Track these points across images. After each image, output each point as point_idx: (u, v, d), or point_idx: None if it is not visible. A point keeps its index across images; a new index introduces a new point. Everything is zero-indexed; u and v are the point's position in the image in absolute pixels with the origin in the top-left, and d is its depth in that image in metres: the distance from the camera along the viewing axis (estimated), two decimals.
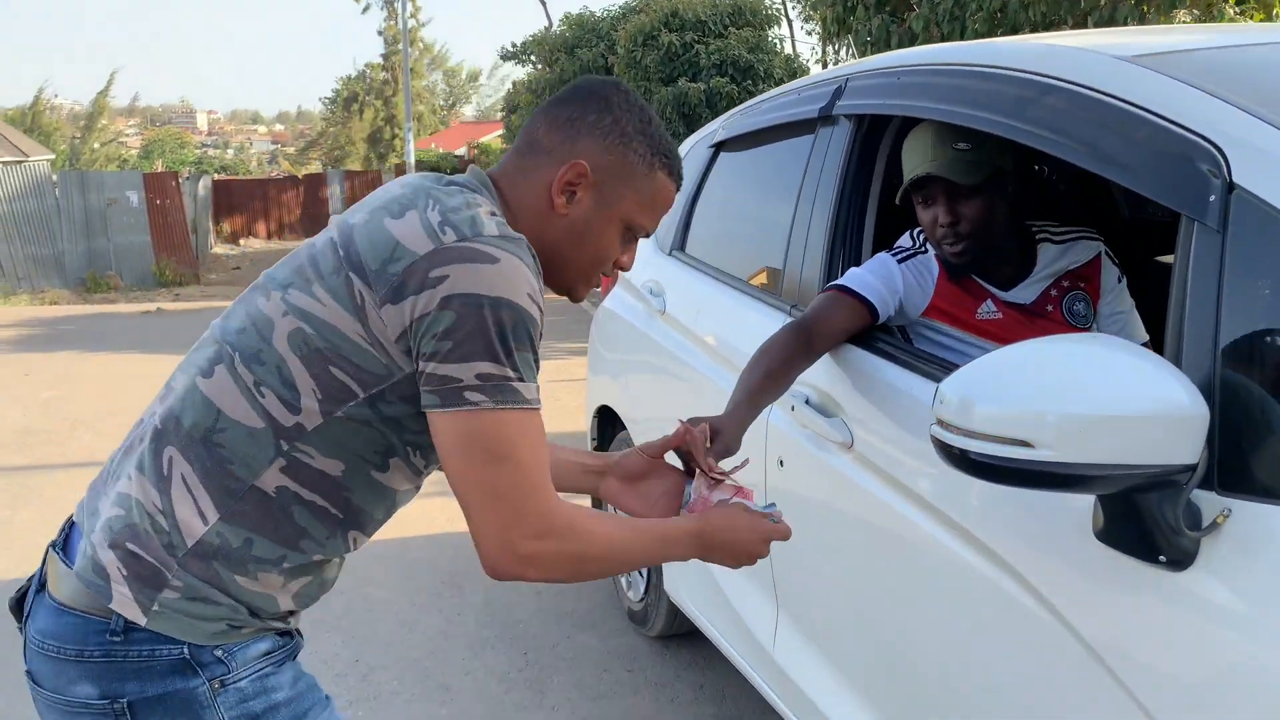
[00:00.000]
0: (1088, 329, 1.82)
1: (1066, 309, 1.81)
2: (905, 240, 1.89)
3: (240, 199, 22.47)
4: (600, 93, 1.23)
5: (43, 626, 1.14)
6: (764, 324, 2.02)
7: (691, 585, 2.56)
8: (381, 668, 2.95)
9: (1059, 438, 1.00)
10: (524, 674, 2.90)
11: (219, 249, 20.43)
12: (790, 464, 1.94)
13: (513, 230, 1.14)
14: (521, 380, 1.09)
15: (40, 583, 1.19)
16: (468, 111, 42.81)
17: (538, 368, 1.12)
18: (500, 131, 21.45)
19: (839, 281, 1.82)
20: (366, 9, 32.74)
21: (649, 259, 2.91)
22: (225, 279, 15.64)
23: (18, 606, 1.22)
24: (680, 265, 2.77)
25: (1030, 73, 1.50)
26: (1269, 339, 1.07)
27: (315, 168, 36.60)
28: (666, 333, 2.68)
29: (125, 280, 14.42)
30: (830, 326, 1.77)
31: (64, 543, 1.20)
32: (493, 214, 1.14)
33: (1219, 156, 1.15)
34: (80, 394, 6.90)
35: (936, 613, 1.51)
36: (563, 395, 6.01)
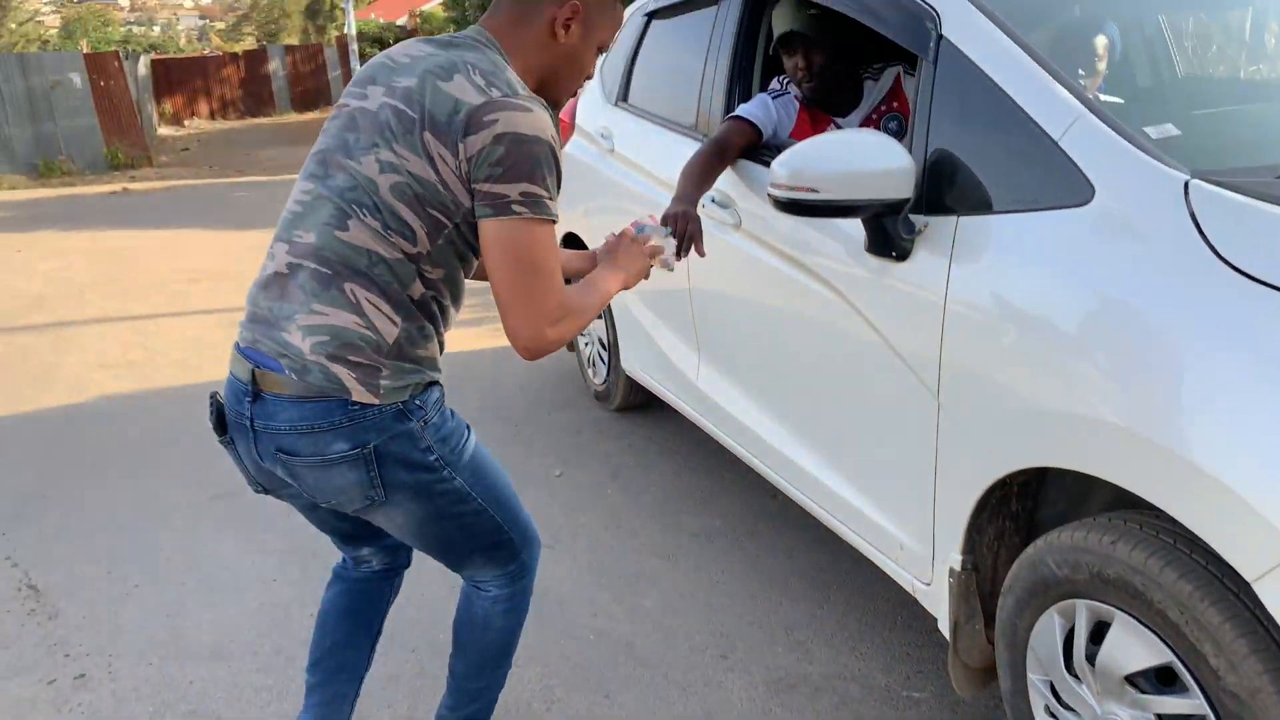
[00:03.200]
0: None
1: (884, 127, 2.60)
2: (775, 84, 2.65)
3: (180, 78, 22.15)
4: None
5: (292, 415, 1.49)
6: (688, 151, 2.80)
7: (641, 354, 3.41)
8: None
9: (834, 185, 1.80)
10: (517, 437, 3.78)
11: (164, 130, 20.33)
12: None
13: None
14: (550, 198, 1.46)
15: (255, 393, 1.51)
16: None
17: (558, 190, 1.49)
18: None
19: (735, 112, 2.58)
20: None
21: (599, 108, 3.64)
22: (176, 160, 15.74)
23: (219, 422, 1.58)
24: (624, 113, 3.51)
25: None
26: (953, 129, 1.87)
27: (249, 43, 35.59)
28: (616, 167, 3.43)
29: (77, 164, 14.57)
30: (732, 143, 2.53)
31: (254, 362, 1.52)
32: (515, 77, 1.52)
33: (936, 16, 1.92)
34: (76, 265, 7.46)
35: (790, 321, 2.34)
36: None
